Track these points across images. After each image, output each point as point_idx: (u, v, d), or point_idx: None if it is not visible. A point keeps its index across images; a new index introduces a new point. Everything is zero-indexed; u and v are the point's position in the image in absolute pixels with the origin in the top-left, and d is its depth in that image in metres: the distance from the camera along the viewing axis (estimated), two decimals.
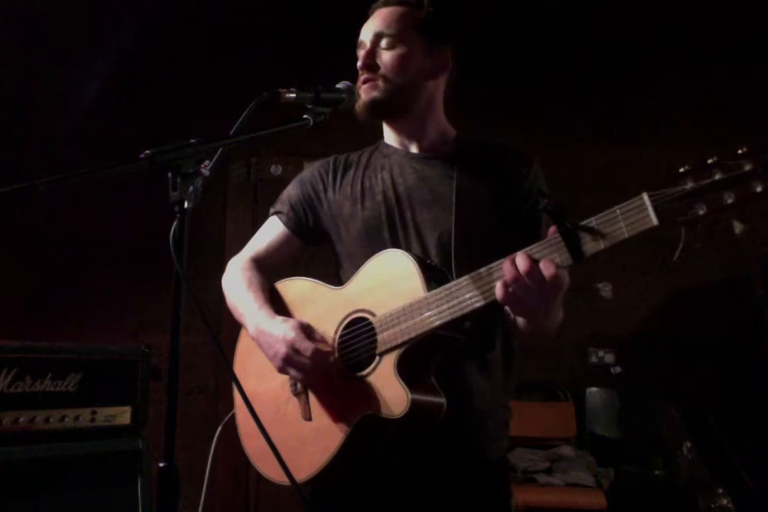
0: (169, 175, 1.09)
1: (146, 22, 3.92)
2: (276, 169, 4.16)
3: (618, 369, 4.09)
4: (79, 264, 3.99)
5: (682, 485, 3.62)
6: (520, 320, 1.36)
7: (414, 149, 1.60)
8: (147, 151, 1.08)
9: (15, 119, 3.98)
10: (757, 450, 3.69)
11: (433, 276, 1.34)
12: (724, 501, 3.43)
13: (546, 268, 1.12)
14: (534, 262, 1.13)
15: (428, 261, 1.41)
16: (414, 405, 1.28)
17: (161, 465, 1.01)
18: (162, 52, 4.12)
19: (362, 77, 1.51)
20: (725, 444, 3.70)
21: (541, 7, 4.19)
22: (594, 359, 4.13)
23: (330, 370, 1.41)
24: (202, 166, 1.11)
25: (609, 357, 4.12)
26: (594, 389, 4.03)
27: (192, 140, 1.12)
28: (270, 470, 1.50)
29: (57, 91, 4.01)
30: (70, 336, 3.21)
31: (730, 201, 0.97)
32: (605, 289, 4.21)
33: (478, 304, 1.23)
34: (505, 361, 1.52)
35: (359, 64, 1.52)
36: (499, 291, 1.16)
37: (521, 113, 4.29)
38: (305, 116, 1.35)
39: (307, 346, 1.39)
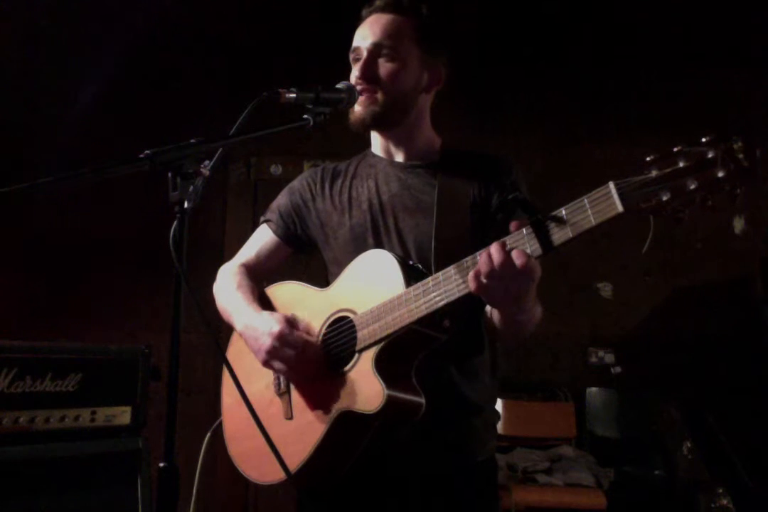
0: (169, 175, 1.09)
1: (147, 22, 3.93)
2: (276, 169, 4.16)
3: (618, 369, 4.08)
4: (79, 264, 3.99)
5: (682, 485, 3.62)
6: (496, 317, 1.37)
7: (400, 158, 1.61)
8: (147, 151, 1.08)
9: (15, 119, 3.98)
10: (757, 450, 3.69)
11: (413, 274, 1.35)
12: (724, 501, 3.43)
13: (518, 258, 1.13)
14: (507, 253, 1.14)
15: (410, 261, 1.42)
16: (390, 401, 1.27)
17: (161, 465, 1.02)
18: (162, 51, 4.12)
19: (359, 88, 1.50)
20: (725, 444, 3.70)
21: (541, 7, 4.19)
22: (594, 359, 4.13)
23: (313, 363, 1.42)
24: (202, 166, 1.11)
25: (609, 357, 4.11)
26: (594, 389, 4.03)
27: (192, 140, 1.12)
28: (253, 471, 1.52)
29: (57, 92, 4.01)
30: (70, 336, 3.20)
31: (692, 187, 0.99)
32: (605, 289, 4.21)
33: (452, 298, 1.24)
34: (491, 364, 1.53)
35: (357, 74, 1.51)
36: (471, 282, 1.17)
37: (520, 113, 4.29)
38: (305, 116, 1.35)
39: (291, 338, 1.40)
